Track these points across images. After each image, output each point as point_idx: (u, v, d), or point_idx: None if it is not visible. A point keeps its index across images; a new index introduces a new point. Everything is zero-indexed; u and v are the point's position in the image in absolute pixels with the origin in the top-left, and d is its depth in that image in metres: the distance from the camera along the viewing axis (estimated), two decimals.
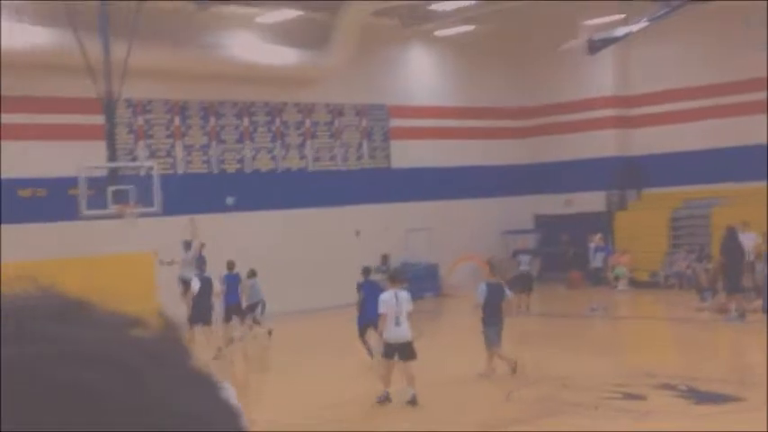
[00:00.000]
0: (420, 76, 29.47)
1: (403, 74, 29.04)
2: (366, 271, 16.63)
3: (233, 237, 24.51)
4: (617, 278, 25.80)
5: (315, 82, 26.69)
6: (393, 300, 12.78)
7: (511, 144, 31.27)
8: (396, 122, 28.84)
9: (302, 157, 27.04)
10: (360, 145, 28.22)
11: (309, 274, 25.45)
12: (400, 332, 12.82)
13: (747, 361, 16.22)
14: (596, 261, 24.79)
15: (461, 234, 28.56)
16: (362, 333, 15.93)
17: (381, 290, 14.46)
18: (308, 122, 27.13)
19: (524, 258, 23.48)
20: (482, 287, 15.04)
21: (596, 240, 24.60)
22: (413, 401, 12.75)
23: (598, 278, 24.79)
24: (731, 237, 20.40)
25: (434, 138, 29.44)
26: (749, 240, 23.71)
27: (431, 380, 14.76)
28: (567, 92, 30.39)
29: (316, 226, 26.30)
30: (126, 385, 0.60)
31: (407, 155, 28.84)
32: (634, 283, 25.90)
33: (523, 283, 22.93)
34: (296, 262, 25.34)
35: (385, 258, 23.57)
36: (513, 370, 14.57)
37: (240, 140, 25.87)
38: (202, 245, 20.02)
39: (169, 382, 0.62)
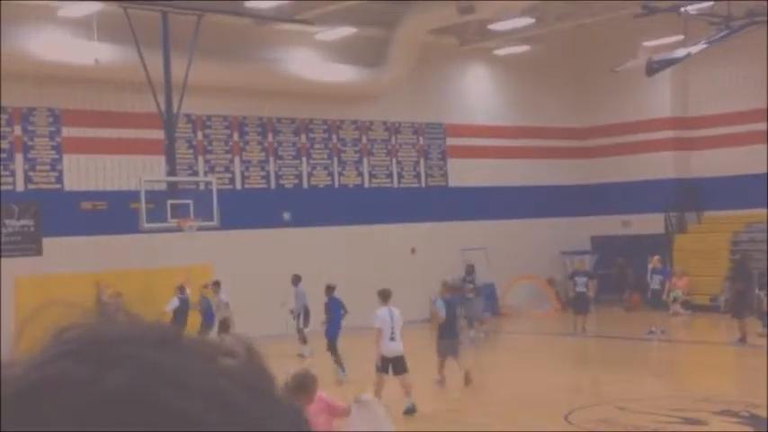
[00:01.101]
0: (477, 94, 29.44)
1: (460, 92, 29.02)
2: (329, 289, 17.82)
3: (289, 252, 24.66)
4: (674, 301, 25.40)
5: (372, 99, 26.80)
6: (387, 316, 13.60)
7: (568, 164, 31.03)
8: (453, 141, 28.80)
9: (359, 174, 27.13)
10: (416, 163, 28.24)
11: (363, 290, 25.44)
12: (395, 346, 13.56)
13: None
14: (654, 283, 24.42)
15: (518, 254, 28.38)
16: (331, 347, 17.10)
17: (343, 306, 17.40)
18: (364, 139, 27.24)
19: (581, 280, 23.24)
20: (440, 303, 16.13)
21: (654, 262, 24.24)
22: (410, 411, 13.31)
23: (655, 301, 24.41)
24: (743, 263, 21.48)
25: (491, 157, 29.34)
26: None
27: (491, 398, 14.68)
28: (625, 113, 30.10)
29: (371, 243, 26.33)
30: (224, 414, 0.62)
31: (464, 173, 28.77)
32: (692, 307, 25.47)
33: (580, 305, 22.70)
34: (350, 278, 25.37)
35: (470, 268, 23.30)
36: (467, 380, 15.35)
37: (297, 156, 26.06)
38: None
39: (261, 410, 0.65)
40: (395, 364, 13.53)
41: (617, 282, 28.36)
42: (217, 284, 20.35)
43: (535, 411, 13.83)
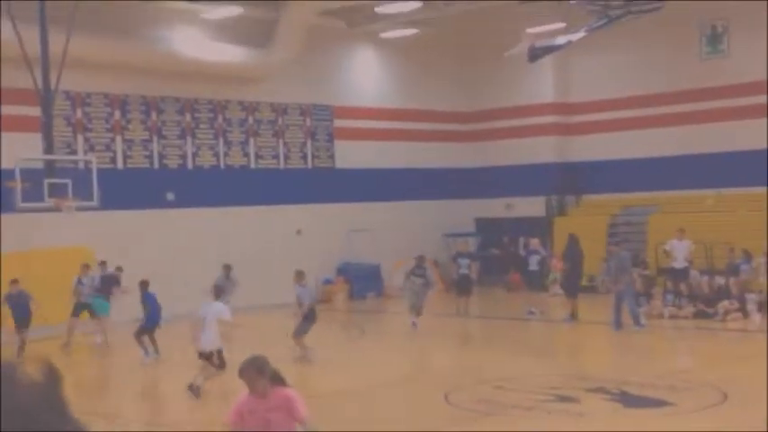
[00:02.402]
0: (365, 77, 29.50)
1: (348, 75, 29.04)
2: (144, 284, 17.71)
3: (173, 233, 24.30)
4: (553, 282, 26.06)
5: (259, 80, 26.56)
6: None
7: (453, 147, 31.45)
8: (340, 123, 28.82)
9: (245, 155, 26.87)
10: (303, 144, 28.14)
11: (248, 271, 25.31)
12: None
13: (678, 366, 16.49)
14: (532, 264, 25.03)
15: (403, 236, 28.64)
16: (141, 333, 17.41)
17: (155, 300, 17.34)
18: (251, 120, 26.99)
19: (464, 261, 23.61)
20: (303, 290, 16.86)
21: (533, 244, 24.87)
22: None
23: (535, 282, 25.02)
24: (572, 243, 22.10)
25: (378, 139, 29.51)
26: (684, 248, 24.16)
27: (371, 380, 14.78)
28: (508, 98, 30.70)
29: (257, 224, 26.18)
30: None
31: (351, 156, 28.85)
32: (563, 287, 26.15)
33: (463, 286, 23.08)
34: (235, 260, 25.18)
35: (421, 260, 21.71)
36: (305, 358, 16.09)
37: (182, 136, 25.63)
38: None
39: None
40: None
41: (502, 262, 28.98)
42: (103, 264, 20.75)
43: (416, 391, 14.03)
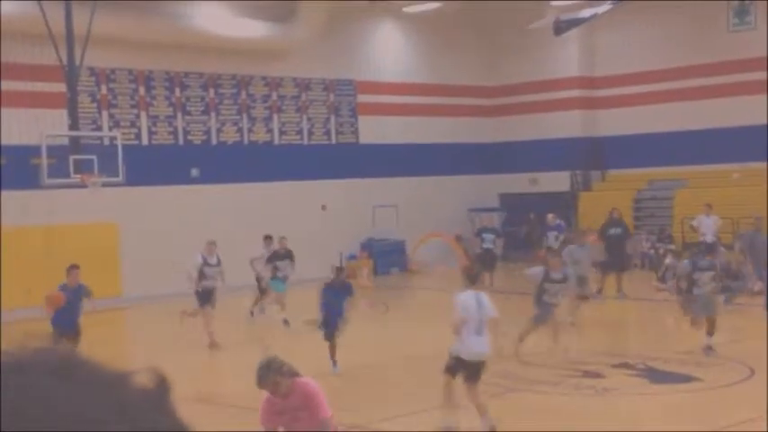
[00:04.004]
0: (388, 52, 29.37)
1: (371, 49, 28.92)
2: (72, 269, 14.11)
3: (197, 209, 24.39)
4: None
5: (282, 55, 26.50)
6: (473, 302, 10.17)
7: (478, 122, 31.30)
8: (363, 98, 28.74)
9: (268, 131, 26.88)
10: (327, 120, 28.11)
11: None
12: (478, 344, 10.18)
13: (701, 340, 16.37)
14: (550, 240, 24.89)
15: (428, 211, 28.61)
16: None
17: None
18: (274, 96, 26.96)
19: (488, 236, 23.56)
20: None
21: (550, 220, 24.76)
22: None
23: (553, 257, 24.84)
24: (615, 219, 22.06)
25: (402, 114, 29.41)
26: (711, 223, 23.97)
27: (394, 355, 14.81)
28: (533, 72, 30.46)
29: (281, 200, 26.21)
30: None
31: (375, 131, 28.78)
32: (597, 264, 26.03)
33: (487, 261, 23.04)
34: (260, 236, 25.28)
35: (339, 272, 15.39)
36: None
37: (206, 112, 25.66)
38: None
39: None
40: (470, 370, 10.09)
41: (527, 238, 28.86)
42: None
43: (440, 366, 14.02)
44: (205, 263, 16.67)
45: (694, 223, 24.37)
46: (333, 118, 28.22)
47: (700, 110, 27.31)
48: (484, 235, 23.62)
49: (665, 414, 10.89)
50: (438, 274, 26.41)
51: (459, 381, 10.30)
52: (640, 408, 11.25)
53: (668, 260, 22.45)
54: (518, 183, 30.49)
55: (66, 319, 13.52)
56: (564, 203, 27.68)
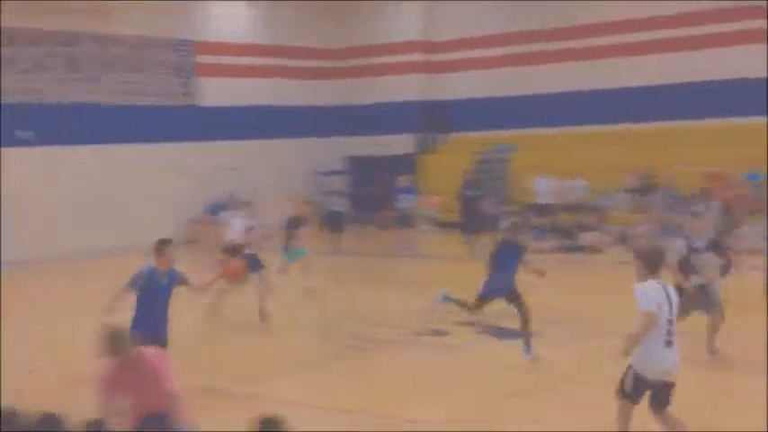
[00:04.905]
0: (228, 11, 28.83)
1: (211, 8, 28.34)
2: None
3: (28, 172, 23.39)
4: (424, 219, 26.45)
5: (116, 12, 25.53)
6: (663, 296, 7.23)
7: (322, 85, 31.26)
8: (203, 59, 28.14)
9: (102, 91, 25.88)
10: (165, 80, 27.35)
11: (117, 212, 24.77)
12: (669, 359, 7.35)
13: (546, 299, 17.05)
14: (402, 202, 25.34)
15: (274, 174, 28.41)
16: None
17: None
18: (107, 55, 25.97)
19: (336, 200, 23.69)
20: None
21: (402, 182, 25.20)
22: None
23: (406, 220, 25.36)
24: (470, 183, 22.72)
25: (243, 76, 29.02)
26: (547, 184, 24.93)
27: (244, 322, 14.73)
28: (375, 35, 30.73)
29: (119, 163, 25.44)
30: None
31: (217, 93, 28.27)
32: (441, 225, 26.61)
33: (335, 224, 23.19)
34: (105, 200, 24.56)
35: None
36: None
37: (34, 70, 24.41)
38: None
39: None
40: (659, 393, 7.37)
41: (374, 201, 29.18)
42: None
43: (291, 330, 14.05)
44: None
45: (531, 185, 25.29)
46: (171, 78, 27.50)
47: (536, 74, 28.19)
48: (331, 198, 23.73)
49: (506, 368, 11.31)
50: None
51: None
52: (485, 362, 11.65)
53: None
54: (364, 145, 30.69)
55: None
56: (409, 166, 28.10)
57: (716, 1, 25.20)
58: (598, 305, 14.98)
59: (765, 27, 24.43)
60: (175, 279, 9.03)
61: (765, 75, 24.15)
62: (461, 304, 11.75)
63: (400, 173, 26.36)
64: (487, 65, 29.32)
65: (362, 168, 30.31)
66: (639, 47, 26.45)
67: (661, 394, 7.29)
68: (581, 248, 21.85)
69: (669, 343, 7.17)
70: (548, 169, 24.90)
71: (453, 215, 24.38)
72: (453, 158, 28.21)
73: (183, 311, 9.56)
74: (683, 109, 25.22)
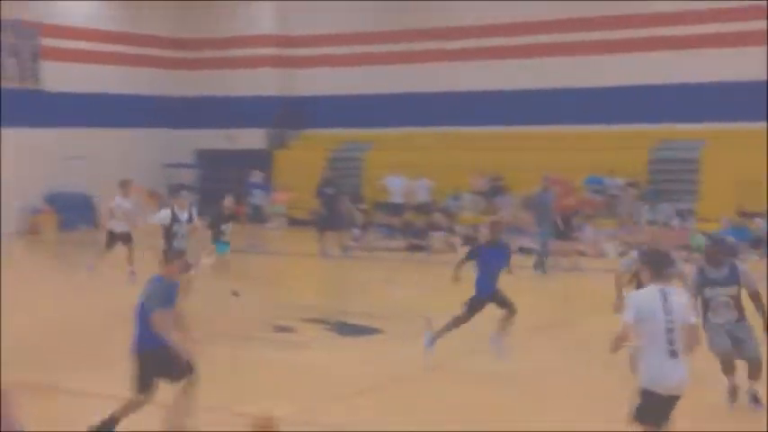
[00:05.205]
0: None
1: None
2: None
3: None
4: (276, 215, 26.16)
5: None
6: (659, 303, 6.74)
7: (174, 75, 30.48)
8: (48, 42, 26.92)
9: None
10: (7, 64, 25.99)
11: None
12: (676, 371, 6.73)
13: (391, 297, 17.09)
14: (255, 198, 25.00)
15: (120, 165, 27.41)
16: None
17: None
18: None
19: (185, 193, 22.99)
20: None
21: (255, 177, 24.85)
22: None
23: (258, 215, 25.02)
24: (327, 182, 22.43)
25: (90, 62, 27.95)
26: (400, 184, 25.08)
27: (72, 315, 14.15)
28: (231, 27, 30.24)
29: None
30: None
31: (62, 78, 27.09)
32: (294, 222, 26.36)
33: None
34: None
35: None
36: None
37: None
38: None
39: None
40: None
41: (220, 196, 28.57)
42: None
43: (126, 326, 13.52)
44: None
45: (384, 183, 25.38)
46: (13, 61, 26.17)
47: (392, 74, 28.31)
48: (180, 192, 23.04)
49: (350, 363, 11.23)
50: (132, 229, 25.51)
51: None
52: (331, 358, 11.51)
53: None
54: (215, 139, 30.06)
55: None
56: (261, 161, 27.70)
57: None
58: (443, 303, 15.06)
59: (613, 38, 25.35)
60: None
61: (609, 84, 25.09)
62: (449, 328, 10.97)
63: (253, 168, 25.97)
64: (343, 62, 29.25)
65: (212, 162, 29.68)
66: (493, 51, 26.94)
67: (668, 409, 6.69)
68: (430, 248, 22.03)
69: (673, 353, 6.59)
70: (400, 169, 25.03)
71: (305, 212, 24.18)
72: (307, 155, 28.03)
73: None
74: (534, 114, 25.85)
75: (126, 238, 17.15)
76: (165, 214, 14.43)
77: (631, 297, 6.97)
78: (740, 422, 8.82)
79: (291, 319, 13.59)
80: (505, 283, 11.10)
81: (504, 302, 10.87)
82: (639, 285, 8.29)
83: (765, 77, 22.99)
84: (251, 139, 29.36)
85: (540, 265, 18.38)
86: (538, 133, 25.58)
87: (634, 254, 10.05)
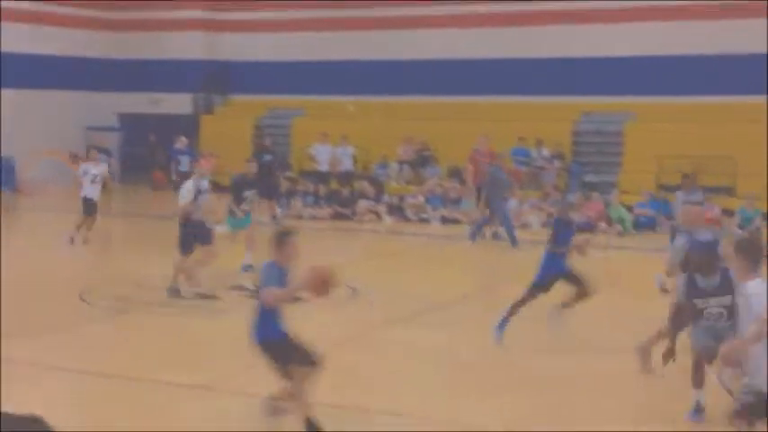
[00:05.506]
0: None
1: None
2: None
3: None
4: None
5: None
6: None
7: (97, 36, 29.76)
8: None
9: None
10: None
11: None
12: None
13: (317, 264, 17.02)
14: (181, 164, 24.63)
15: (40, 127, 26.77)
16: None
17: None
18: None
19: (102, 156, 22.58)
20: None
21: (180, 143, 24.47)
22: None
23: (183, 181, 24.61)
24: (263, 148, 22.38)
25: (11, 21, 27.10)
26: (326, 152, 24.97)
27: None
28: None
29: None
30: None
31: None
32: (218, 187, 26.02)
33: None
34: None
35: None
36: None
37: None
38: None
39: None
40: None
41: (147, 160, 28.16)
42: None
43: (50, 290, 13.26)
44: None
45: (311, 151, 25.24)
46: None
47: (322, 41, 28.09)
48: (101, 155, 22.61)
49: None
50: (51, 194, 24.98)
51: None
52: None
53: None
54: (139, 102, 29.51)
55: None
56: (186, 126, 27.28)
57: None
58: (369, 271, 15.08)
59: (541, 9, 25.52)
60: None
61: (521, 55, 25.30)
62: (515, 309, 10.37)
63: (178, 133, 25.56)
64: (273, 28, 28.91)
65: (136, 126, 29.14)
66: (422, 20, 26.90)
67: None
68: (355, 217, 22.02)
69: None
70: (327, 137, 24.91)
71: (228, 178, 23.88)
72: (234, 122, 27.72)
73: None
74: (463, 84, 25.93)
75: (92, 208, 17.13)
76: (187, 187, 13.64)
77: (756, 289, 6.09)
78: None
79: (217, 288, 13.44)
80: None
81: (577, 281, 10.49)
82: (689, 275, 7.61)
83: (690, 51, 23.41)
84: (177, 103, 28.88)
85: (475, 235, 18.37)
86: (466, 103, 25.67)
87: (682, 239, 9.00)
